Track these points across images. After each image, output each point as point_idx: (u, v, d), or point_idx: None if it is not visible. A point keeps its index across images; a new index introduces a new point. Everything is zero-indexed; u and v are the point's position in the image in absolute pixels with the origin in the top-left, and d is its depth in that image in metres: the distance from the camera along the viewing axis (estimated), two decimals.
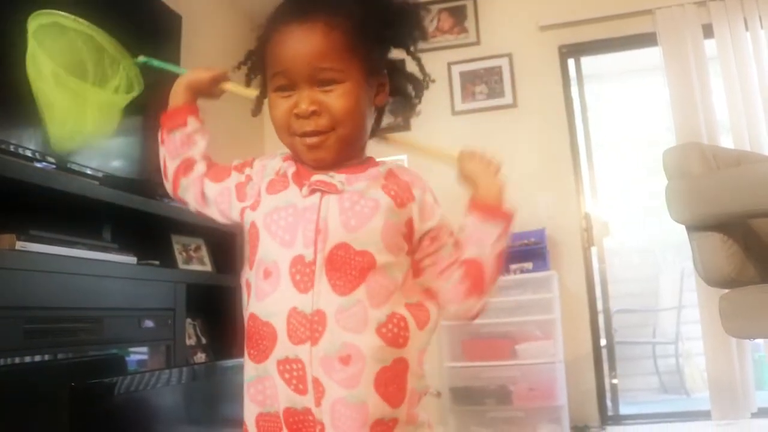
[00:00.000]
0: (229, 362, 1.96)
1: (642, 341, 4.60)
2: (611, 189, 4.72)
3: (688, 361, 4.37)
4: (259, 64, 0.96)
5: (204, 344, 2.50)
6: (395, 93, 1.00)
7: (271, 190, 0.94)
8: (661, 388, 4.49)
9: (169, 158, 1.05)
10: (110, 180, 2.01)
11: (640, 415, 3.40)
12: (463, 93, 3.56)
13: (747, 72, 3.18)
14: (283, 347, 0.87)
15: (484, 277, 0.93)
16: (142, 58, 1.10)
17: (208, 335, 2.53)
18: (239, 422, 0.94)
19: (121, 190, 1.95)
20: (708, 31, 3.25)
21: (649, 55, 3.45)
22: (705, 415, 3.07)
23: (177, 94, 1.07)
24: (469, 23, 3.62)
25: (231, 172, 1.01)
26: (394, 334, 0.87)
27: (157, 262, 2.16)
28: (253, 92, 1.04)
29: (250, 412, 0.92)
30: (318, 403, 0.85)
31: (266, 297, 0.90)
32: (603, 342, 3.32)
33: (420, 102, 1.03)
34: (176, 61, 2.46)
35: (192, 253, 2.45)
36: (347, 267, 0.87)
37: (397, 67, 0.99)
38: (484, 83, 3.55)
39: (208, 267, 2.51)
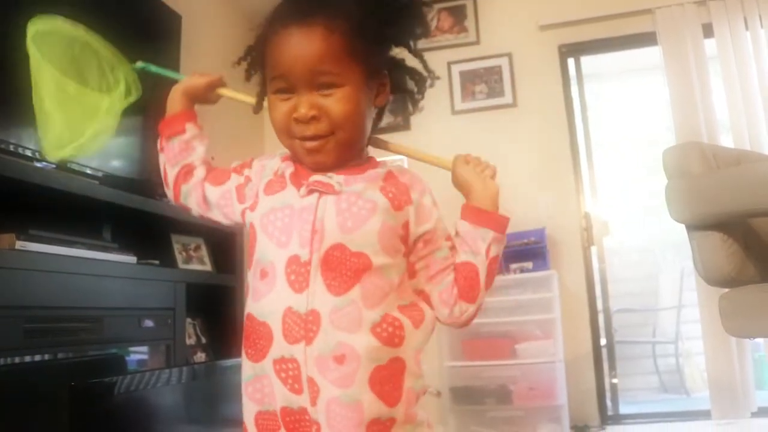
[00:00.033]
0: (229, 362, 1.96)
1: (642, 341, 4.60)
2: (611, 188, 4.72)
3: (688, 360, 4.37)
4: (258, 62, 0.96)
5: (204, 344, 2.50)
6: (396, 90, 0.99)
7: (268, 191, 0.95)
8: (661, 388, 4.49)
9: (168, 165, 1.05)
10: (110, 180, 2.01)
11: (640, 415, 3.40)
12: (463, 92, 3.55)
13: (747, 71, 3.18)
14: (279, 347, 0.87)
15: (477, 283, 0.93)
16: (140, 64, 1.10)
17: (208, 335, 2.54)
18: (239, 422, 0.94)
19: (121, 189, 1.95)
20: (708, 31, 3.25)
21: (649, 54, 3.45)
22: (705, 415, 3.07)
23: (174, 101, 1.07)
24: (469, 23, 3.62)
25: (230, 174, 1.02)
26: (389, 333, 0.87)
27: (156, 262, 2.16)
28: (248, 97, 1.04)
29: (248, 411, 0.92)
30: (313, 403, 0.85)
31: (262, 297, 0.90)
32: (603, 341, 3.32)
33: (422, 98, 1.02)
34: (176, 61, 2.46)
35: (192, 253, 2.45)
36: (342, 267, 0.87)
37: (398, 64, 0.99)
38: (484, 83, 3.55)
39: (207, 266, 2.51)
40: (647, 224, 5.04)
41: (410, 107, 1.03)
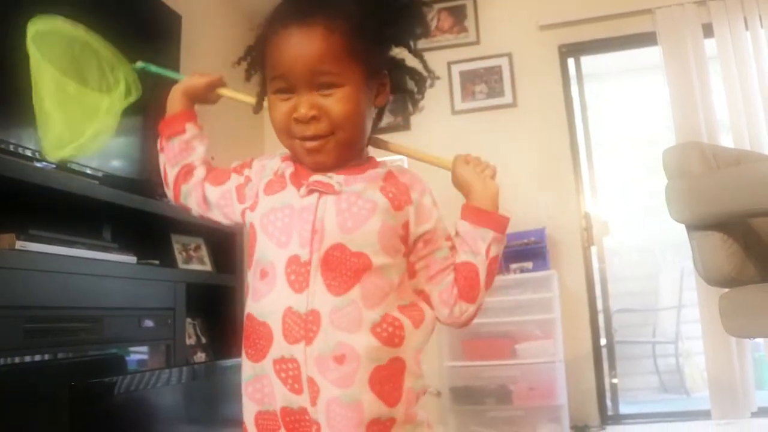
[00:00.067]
0: (229, 362, 1.96)
1: (642, 340, 4.60)
2: (611, 188, 4.72)
3: (688, 360, 4.37)
4: (258, 61, 0.96)
5: (204, 344, 2.50)
6: (396, 90, 0.99)
7: (268, 191, 0.95)
8: (661, 388, 4.49)
9: (168, 166, 1.05)
10: (110, 180, 2.01)
11: (640, 415, 3.40)
12: (463, 92, 3.55)
13: (747, 71, 3.18)
14: (279, 347, 0.87)
15: (477, 283, 0.93)
16: (140, 64, 1.10)
17: (208, 335, 2.54)
18: (239, 422, 0.94)
19: (121, 189, 1.95)
20: (708, 31, 3.25)
21: (649, 54, 3.45)
22: (705, 415, 3.07)
23: (174, 101, 1.07)
24: (469, 23, 3.62)
25: (230, 174, 1.02)
26: (389, 333, 0.87)
27: (156, 262, 2.16)
28: (248, 97, 1.04)
29: (249, 411, 0.92)
30: (313, 403, 0.85)
31: (262, 297, 0.90)
32: (603, 341, 3.32)
33: (422, 98, 1.02)
34: (176, 61, 2.46)
35: (192, 253, 2.45)
36: (342, 267, 0.87)
37: (398, 64, 0.99)
38: (484, 83, 3.55)
39: (207, 266, 2.51)
40: (647, 224, 5.04)
41: (410, 107, 1.03)
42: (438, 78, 1.03)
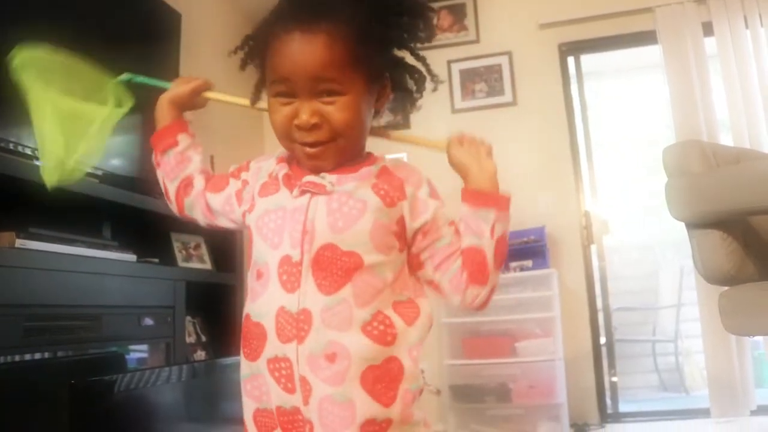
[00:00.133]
0: (229, 360, 1.96)
1: (641, 339, 4.60)
2: (611, 187, 4.72)
3: (688, 358, 4.37)
4: (257, 58, 0.95)
5: (204, 342, 2.50)
6: (396, 88, 0.99)
7: (262, 193, 0.95)
8: (661, 386, 4.49)
9: (167, 181, 1.06)
10: (110, 178, 2.01)
11: (640, 413, 3.40)
12: (463, 91, 3.55)
13: (747, 70, 3.18)
14: (273, 346, 0.88)
15: (485, 265, 0.91)
16: (125, 76, 1.09)
17: (208, 333, 2.54)
18: (238, 420, 0.95)
19: (121, 188, 1.95)
20: (708, 29, 3.25)
21: (649, 53, 3.45)
22: (704, 413, 3.07)
23: (162, 113, 1.07)
24: (469, 21, 3.62)
25: (229, 179, 1.02)
26: (380, 332, 0.87)
27: (156, 260, 2.16)
28: (236, 99, 1.04)
29: (248, 408, 0.93)
30: (306, 402, 0.86)
31: (258, 298, 0.91)
32: (602, 340, 3.32)
33: (421, 96, 1.02)
34: (176, 59, 2.46)
35: (192, 251, 2.45)
36: (333, 267, 0.87)
37: (399, 63, 0.99)
38: (484, 81, 3.55)
39: (207, 265, 2.51)
40: (647, 222, 5.04)
41: (408, 106, 1.03)
42: (442, 82, 1.03)
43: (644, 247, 5.06)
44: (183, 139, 1.05)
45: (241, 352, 0.94)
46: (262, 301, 0.90)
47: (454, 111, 3.54)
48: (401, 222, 0.91)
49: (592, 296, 3.30)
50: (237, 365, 0.95)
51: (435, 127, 3.29)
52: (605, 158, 4.63)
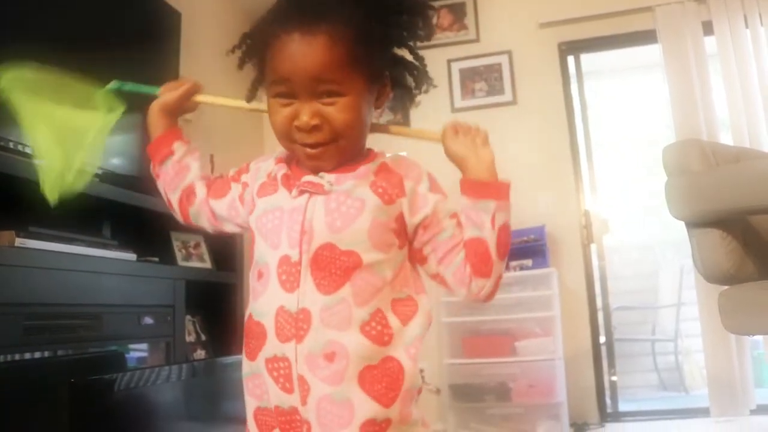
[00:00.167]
0: (229, 359, 1.96)
1: (641, 338, 4.60)
2: (611, 186, 4.72)
3: (688, 358, 4.37)
4: (255, 56, 0.94)
5: (203, 341, 2.50)
6: (395, 86, 0.99)
7: (261, 194, 0.95)
8: (661, 385, 4.49)
9: (169, 192, 1.06)
10: (110, 177, 2.01)
11: (639, 412, 3.40)
12: (463, 90, 3.55)
13: (747, 69, 3.18)
14: (272, 346, 0.88)
15: (488, 257, 0.90)
16: (114, 84, 1.08)
17: (208, 332, 2.54)
18: (238, 419, 0.95)
19: (121, 187, 1.95)
20: (708, 29, 3.25)
21: (649, 52, 3.45)
22: (704, 412, 3.07)
23: (154, 122, 1.06)
24: (469, 20, 3.62)
25: (230, 184, 1.02)
26: (377, 332, 0.87)
27: (156, 259, 2.16)
28: (227, 100, 1.04)
29: (249, 406, 0.93)
30: (304, 402, 0.86)
31: (259, 297, 0.91)
32: (602, 339, 3.32)
33: (420, 93, 1.02)
34: (175, 58, 2.45)
35: (191, 250, 2.45)
36: (332, 266, 0.87)
37: (398, 60, 0.98)
38: (484, 80, 3.55)
39: (207, 264, 2.51)
40: (647, 222, 5.04)
41: (407, 102, 1.02)
42: (435, 86, 1.02)
43: (644, 246, 5.06)
44: (179, 148, 1.05)
45: (243, 350, 0.94)
46: (263, 301, 0.90)
47: (454, 110, 3.53)
48: (400, 219, 0.91)
49: (591, 295, 3.30)
50: (237, 364, 0.95)
51: (435, 127, 3.29)
52: (605, 158, 4.63)
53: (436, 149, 0.96)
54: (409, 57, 0.99)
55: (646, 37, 3.36)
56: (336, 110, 0.87)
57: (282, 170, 0.95)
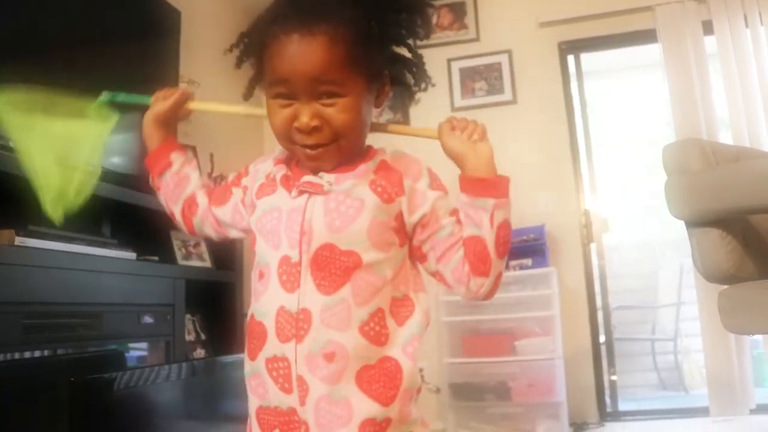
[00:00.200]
0: (229, 358, 1.96)
1: (641, 338, 4.60)
2: (611, 185, 4.72)
3: (687, 357, 4.37)
4: (253, 55, 0.94)
5: (203, 340, 2.50)
6: (394, 84, 0.99)
7: (260, 195, 0.95)
8: (660, 385, 4.49)
9: (171, 203, 1.06)
10: (110, 176, 2.00)
11: (639, 412, 3.40)
12: (463, 89, 3.55)
13: (747, 69, 3.18)
14: (272, 345, 0.88)
15: (486, 255, 0.88)
16: (105, 96, 1.08)
17: (208, 331, 2.54)
18: (238, 418, 0.95)
19: (121, 185, 1.95)
20: (708, 28, 3.25)
21: (649, 51, 3.45)
22: (703, 412, 3.07)
23: (149, 133, 1.07)
24: (469, 19, 3.62)
25: (231, 189, 1.02)
26: (375, 332, 0.87)
27: (156, 258, 2.16)
28: (220, 106, 1.04)
29: (252, 404, 0.93)
30: (302, 402, 0.86)
31: (260, 297, 0.91)
32: (602, 338, 3.32)
33: (419, 90, 1.01)
34: (175, 57, 2.45)
35: (191, 249, 2.45)
36: (331, 267, 0.87)
37: (398, 59, 0.98)
38: (484, 80, 3.55)
39: (207, 263, 2.51)
40: (647, 221, 5.04)
41: (407, 100, 1.02)
42: (434, 84, 1.02)
43: (644, 245, 5.05)
44: (176, 158, 1.06)
45: (245, 349, 0.94)
46: (263, 301, 0.90)
47: (454, 109, 3.53)
48: (400, 217, 0.91)
49: (591, 295, 3.30)
50: (236, 363, 0.96)
51: (434, 125, 3.29)
52: (605, 157, 4.62)
53: (437, 146, 0.95)
54: (407, 54, 0.99)
55: (646, 36, 3.36)
56: (336, 111, 0.87)
57: (281, 171, 0.95)
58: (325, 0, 0.89)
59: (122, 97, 1.08)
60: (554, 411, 2.87)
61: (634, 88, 4.92)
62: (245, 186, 1.00)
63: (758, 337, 3.41)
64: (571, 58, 3.55)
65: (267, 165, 0.98)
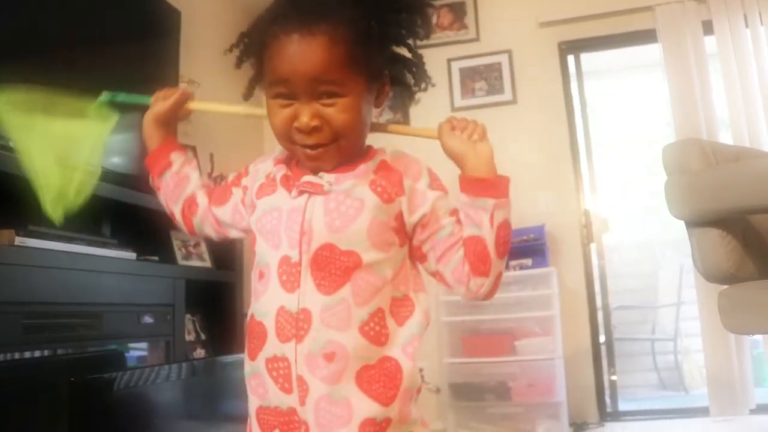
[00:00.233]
0: (228, 358, 1.96)
1: (641, 338, 4.60)
2: (611, 185, 4.72)
3: (687, 357, 4.37)
4: (253, 55, 0.94)
5: (203, 340, 2.50)
6: (394, 83, 0.99)
7: (259, 195, 0.95)
8: (660, 385, 4.49)
9: (171, 204, 1.06)
10: (110, 176, 2.01)
11: (639, 412, 3.40)
12: (463, 89, 3.55)
13: (747, 69, 3.18)
14: (272, 345, 0.88)
15: (486, 255, 0.88)
16: (105, 96, 1.08)
17: (208, 331, 2.54)
18: (238, 418, 0.95)
19: (121, 185, 1.95)
20: (708, 28, 3.25)
21: (649, 51, 3.45)
22: (703, 412, 3.07)
23: (149, 133, 1.07)
24: (469, 19, 3.62)
25: (231, 189, 1.02)
26: (375, 332, 0.87)
27: (156, 258, 2.16)
28: (220, 106, 1.04)
29: (252, 404, 0.93)
30: (302, 403, 0.86)
31: (260, 297, 0.91)
32: (602, 338, 3.32)
33: (419, 90, 1.01)
34: (175, 57, 2.45)
35: (191, 249, 2.45)
36: (331, 267, 0.87)
37: (398, 59, 0.98)
38: (484, 80, 3.55)
39: (207, 263, 2.51)
40: (647, 221, 5.04)
41: (407, 100, 1.02)
42: (434, 84, 1.02)
43: (644, 245, 5.06)
44: (176, 158, 1.06)
45: (245, 350, 0.94)
46: (264, 301, 0.90)
47: (454, 109, 3.53)
48: (400, 217, 0.91)
49: (591, 295, 3.30)
50: (236, 363, 0.96)
51: (434, 125, 3.29)
52: (605, 157, 4.62)
53: (437, 146, 0.95)
54: (407, 54, 0.99)
55: (646, 36, 3.36)
56: (336, 111, 0.87)
57: (281, 171, 0.95)
58: (325, 0, 0.89)
59: (122, 97, 1.08)
60: (554, 411, 2.87)
61: (634, 88, 4.92)
62: (245, 186, 1.00)
63: (758, 337, 3.41)
64: (571, 58, 3.55)
65: (267, 165, 0.98)
